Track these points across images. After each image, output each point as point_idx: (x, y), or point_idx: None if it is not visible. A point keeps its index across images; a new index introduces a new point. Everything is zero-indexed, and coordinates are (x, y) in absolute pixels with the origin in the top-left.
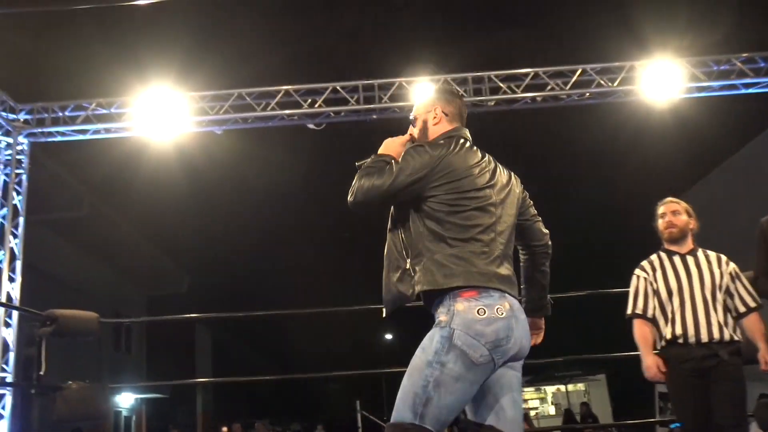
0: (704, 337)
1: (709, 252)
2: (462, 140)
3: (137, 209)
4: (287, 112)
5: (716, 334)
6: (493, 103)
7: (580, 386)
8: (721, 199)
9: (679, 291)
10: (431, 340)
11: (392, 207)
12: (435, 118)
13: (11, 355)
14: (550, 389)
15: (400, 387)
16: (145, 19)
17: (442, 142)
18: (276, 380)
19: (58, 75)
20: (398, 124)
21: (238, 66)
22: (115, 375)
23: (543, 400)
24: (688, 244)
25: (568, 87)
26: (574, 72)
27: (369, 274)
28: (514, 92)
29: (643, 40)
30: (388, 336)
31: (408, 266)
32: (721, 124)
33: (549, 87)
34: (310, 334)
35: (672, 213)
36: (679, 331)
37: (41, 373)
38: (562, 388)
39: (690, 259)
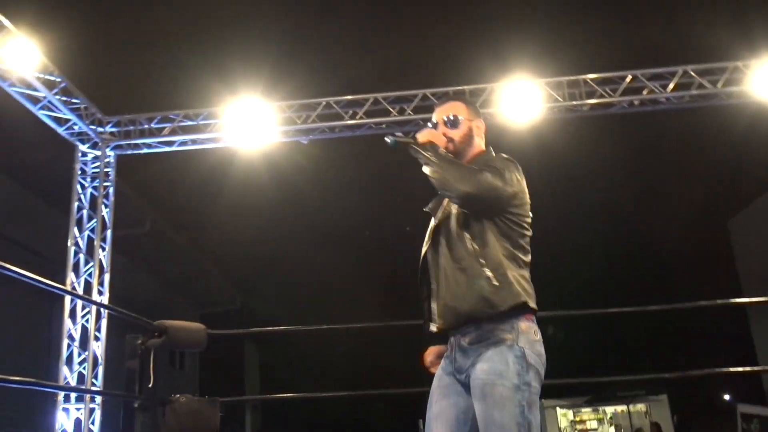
0: None
1: None
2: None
3: (195, 225)
4: (375, 120)
5: None
6: (588, 108)
7: (641, 407)
8: None
9: None
10: (507, 364)
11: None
12: (479, 129)
13: (100, 369)
14: (609, 409)
15: (489, 421)
16: (233, 30)
17: (507, 159)
18: (324, 398)
19: (144, 87)
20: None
21: (326, 75)
22: (170, 391)
23: (601, 421)
24: None
25: (668, 90)
26: (673, 74)
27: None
28: (610, 96)
29: (748, 39)
30: None
31: (491, 275)
32: None
33: (647, 90)
34: (361, 349)
35: None
36: None
37: (150, 385)
38: (622, 408)
39: None
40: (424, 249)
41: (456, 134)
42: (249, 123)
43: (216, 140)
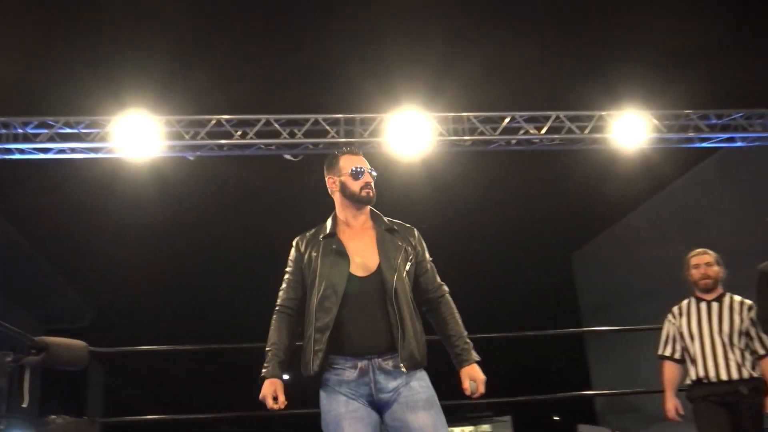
0: (723, 376)
1: (735, 297)
2: None
3: (51, 237)
4: (265, 141)
5: (735, 373)
6: (469, 143)
7: (486, 428)
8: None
9: (700, 335)
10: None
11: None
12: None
13: None
14: (456, 430)
15: (439, 425)
16: (123, 39)
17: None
18: (157, 420)
19: (21, 90)
20: (383, 158)
21: (216, 92)
22: (9, 412)
23: None
24: (717, 290)
25: (543, 131)
26: (547, 118)
27: None
28: (491, 134)
29: (614, 91)
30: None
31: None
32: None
33: (523, 131)
34: (205, 372)
35: (706, 264)
36: (701, 372)
37: (24, 405)
38: (469, 428)
39: (714, 306)
40: (358, 274)
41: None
42: (134, 135)
43: (98, 150)
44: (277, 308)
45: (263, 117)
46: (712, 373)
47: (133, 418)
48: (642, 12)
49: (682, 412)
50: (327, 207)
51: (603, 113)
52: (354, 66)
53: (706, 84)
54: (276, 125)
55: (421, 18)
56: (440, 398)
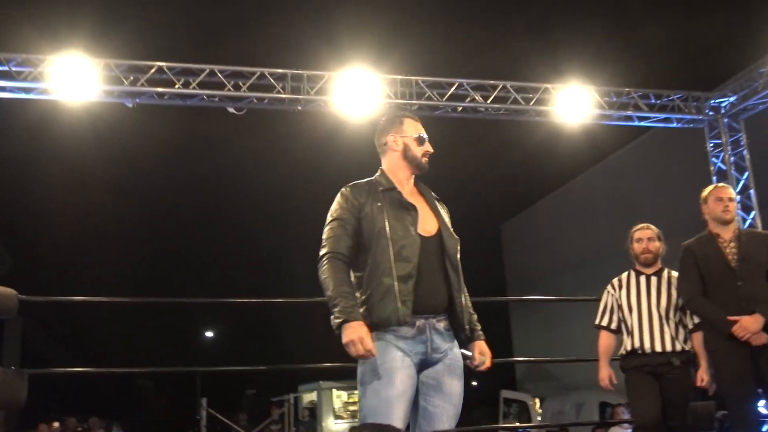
0: (658, 347)
1: (673, 272)
2: None
3: None
4: (208, 92)
5: (668, 345)
6: (416, 107)
7: None
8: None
9: (638, 307)
10: None
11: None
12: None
13: None
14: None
15: (461, 396)
16: None
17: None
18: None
19: None
20: (322, 117)
21: (159, 37)
22: None
23: None
24: (657, 265)
25: (489, 101)
26: (494, 87)
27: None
28: (438, 100)
29: (560, 65)
30: (209, 333)
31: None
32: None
33: (470, 98)
34: (125, 326)
35: (648, 239)
36: (637, 343)
37: None
38: None
39: (653, 279)
40: (422, 233)
41: None
42: (70, 77)
43: (30, 90)
44: (330, 254)
45: (207, 67)
46: (647, 345)
47: (56, 370)
48: None
49: (615, 381)
50: (268, 161)
51: (548, 86)
52: (304, 22)
53: (647, 64)
54: (220, 76)
55: None
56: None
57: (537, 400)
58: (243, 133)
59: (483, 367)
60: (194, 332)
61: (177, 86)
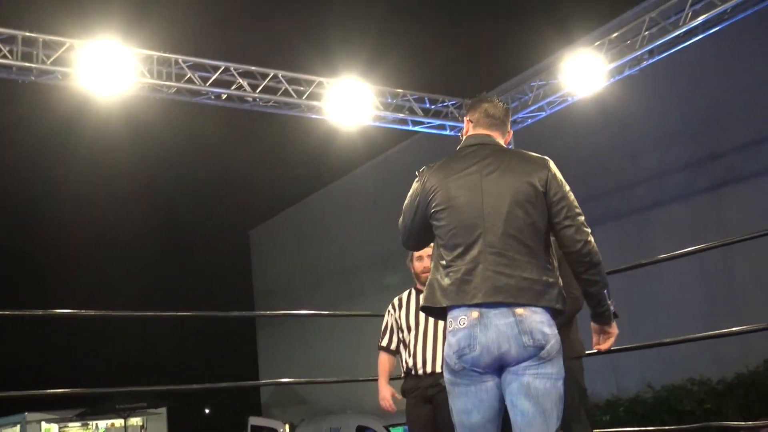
0: (429, 369)
1: None
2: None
3: None
4: None
5: (438, 367)
6: (173, 90)
7: (136, 420)
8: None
9: (416, 327)
10: None
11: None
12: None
13: None
14: (102, 424)
15: None
16: None
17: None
18: None
19: None
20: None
21: None
22: None
23: None
24: None
25: (258, 90)
26: (265, 76)
27: None
28: (200, 84)
29: (335, 60)
30: None
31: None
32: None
33: (236, 85)
34: None
35: (428, 257)
36: (411, 363)
37: None
38: (118, 422)
39: None
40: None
41: None
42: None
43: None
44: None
45: None
46: (419, 365)
47: None
48: None
49: (399, 397)
50: None
51: (323, 79)
52: None
53: (422, 67)
54: None
55: None
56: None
57: (287, 427)
58: None
59: None
60: None
61: None
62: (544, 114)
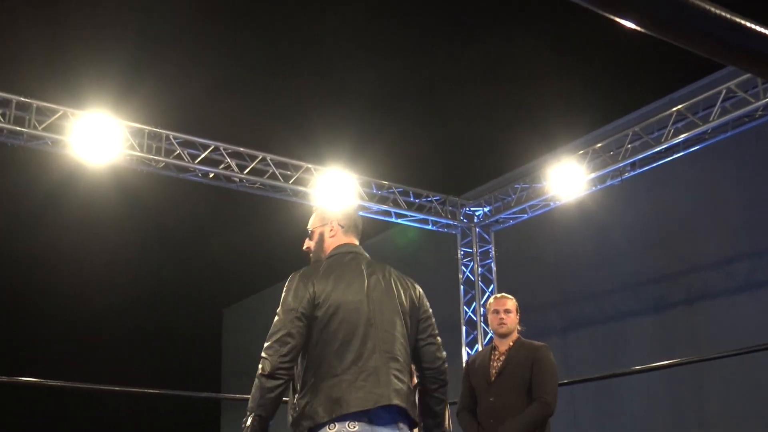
0: None
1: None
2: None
3: None
4: None
5: None
6: (162, 165)
7: None
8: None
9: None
10: None
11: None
12: (331, 230)
13: None
14: None
15: None
16: None
17: (295, 276)
18: None
19: None
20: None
21: None
22: None
23: None
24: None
25: (245, 171)
26: (254, 158)
27: None
28: (189, 161)
29: (322, 149)
30: None
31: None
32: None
33: (224, 165)
34: None
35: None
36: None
37: None
38: None
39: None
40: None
41: (310, 244)
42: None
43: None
44: None
45: None
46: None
47: None
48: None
49: None
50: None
51: (310, 166)
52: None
53: (409, 161)
54: None
55: (114, 18)
56: None
57: None
58: None
59: None
60: None
61: None
62: (526, 216)
